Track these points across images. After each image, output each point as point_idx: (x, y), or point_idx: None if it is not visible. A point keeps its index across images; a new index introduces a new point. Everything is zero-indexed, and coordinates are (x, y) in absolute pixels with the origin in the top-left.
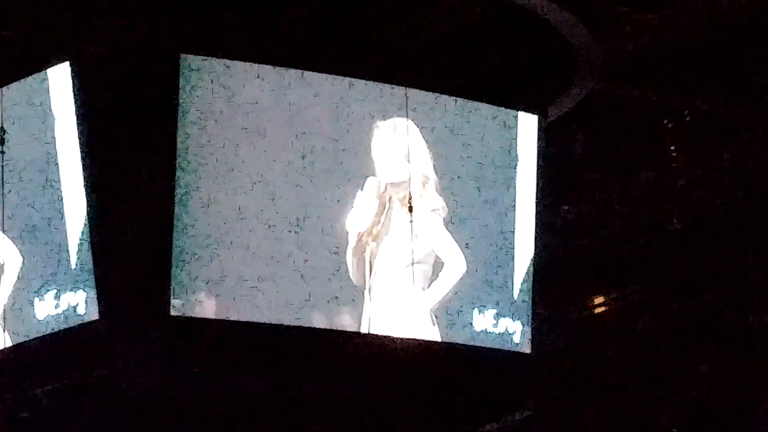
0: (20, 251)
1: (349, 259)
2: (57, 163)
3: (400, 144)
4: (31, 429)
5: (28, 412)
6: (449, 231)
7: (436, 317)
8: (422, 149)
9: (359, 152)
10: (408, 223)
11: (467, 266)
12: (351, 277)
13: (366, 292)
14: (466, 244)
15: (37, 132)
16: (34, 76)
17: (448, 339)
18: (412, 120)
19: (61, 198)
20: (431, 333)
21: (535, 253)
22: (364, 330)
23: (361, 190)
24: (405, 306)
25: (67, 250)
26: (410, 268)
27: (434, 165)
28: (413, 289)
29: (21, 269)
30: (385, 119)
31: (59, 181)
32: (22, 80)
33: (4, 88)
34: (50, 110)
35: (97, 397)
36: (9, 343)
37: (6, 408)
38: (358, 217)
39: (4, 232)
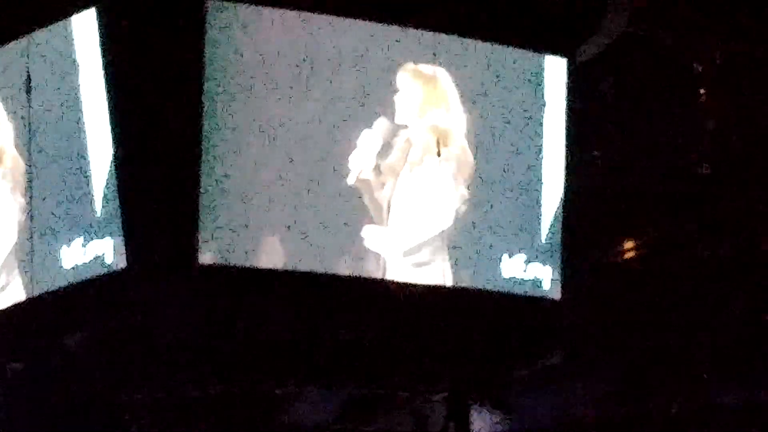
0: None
1: (367, 201)
2: (82, 111)
3: (427, 89)
4: (59, 378)
5: (56, 361)
6: (473, 177)
7: (459, 262)
8: (450, 94)
9: (384, 98)
10: (427, 167)
11: (494, 212)
12: (375, 221)
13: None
14: (494, 189)
15: (63, 79)
16: (58, 23)
17: (477, 285)
18: (439, 65)
19: (87, 145)
20: (458, 278)
21: (563, 198)
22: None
23: (369, 129)
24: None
25: (93, 198)
26: (427, 213)
27: (461, 109)
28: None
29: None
30: (412, 64)
31: (85, 128)
32: (47, 27)
33: (30, 36)
34: (75, 57)
35: (126, 347)
36: (36, 293)
37: (34, 357)
38: (360, 156)
39: (30, 181)
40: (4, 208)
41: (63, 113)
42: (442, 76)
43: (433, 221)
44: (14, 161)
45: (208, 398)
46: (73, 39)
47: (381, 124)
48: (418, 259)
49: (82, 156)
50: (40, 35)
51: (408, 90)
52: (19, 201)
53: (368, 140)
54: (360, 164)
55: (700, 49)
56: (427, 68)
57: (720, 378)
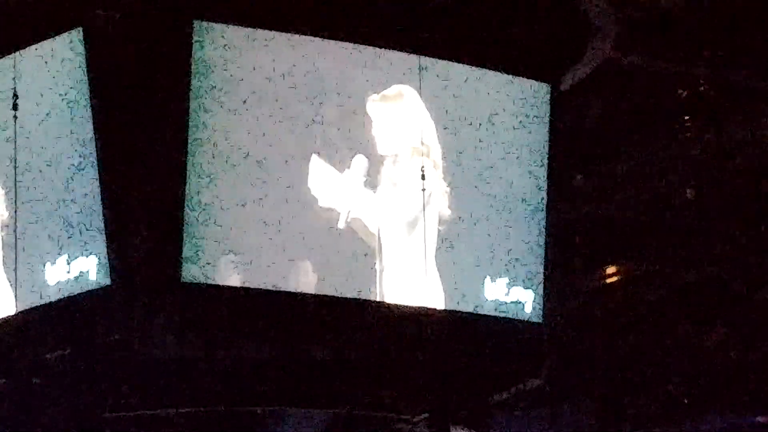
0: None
1: (356, 227)
2: (68, 128)
3: (395, 109)
4: (43, 395)
5: (39, 378)
6: (456, 200)
7: (441, 284)
8: (419, 111)
9: (361, 131)
10: (411, 190)
11: (476, 235)
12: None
13: (377, 260)
14: (476, 211)
15: (49, 97)
16: (45, 42)
17: (459, 308)
18: (420, 88)
19: (73, 163)
20: (440, 301)
21: (547, 223)
22: (378, 298)
23: (348, 168)
24: (411, 273)
25: (79, 215)
26: (413, 237)
27: (438, 129)
28: (420, 255)
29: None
30: (391, 86)
31: (71, 146)
32: (34, 46)
33: (16, 54)
34: (61, 76)
35: (109, 363)
36: (20, 309)
37: (18, 373)
38: (345, 195)
39: (15, 197)
40: None
41: (49, 130)
42: (407, 92)
43: (417, 243)
44: None
45: (190, 416)
46: (61, 57)
47: (360, 161)
48: (402, 281)
49: (68, 174)
50: (27, 53)
51: (380, 117)
52: (3, 217)
53: (350, 180)
54: (347, 207)
55: (683, 76)
56: (390, 90)
57: (701, 403)
